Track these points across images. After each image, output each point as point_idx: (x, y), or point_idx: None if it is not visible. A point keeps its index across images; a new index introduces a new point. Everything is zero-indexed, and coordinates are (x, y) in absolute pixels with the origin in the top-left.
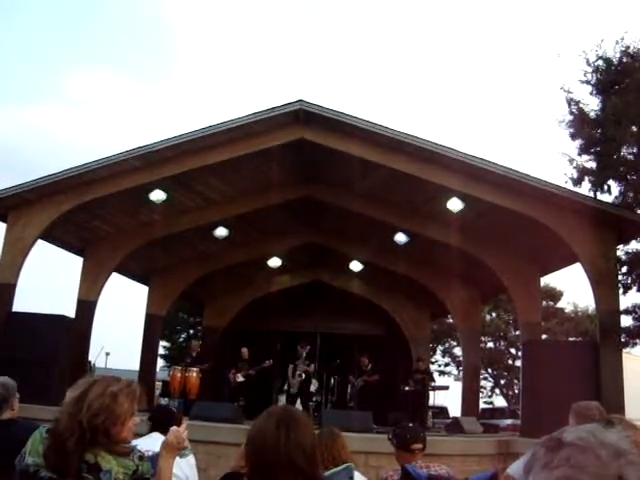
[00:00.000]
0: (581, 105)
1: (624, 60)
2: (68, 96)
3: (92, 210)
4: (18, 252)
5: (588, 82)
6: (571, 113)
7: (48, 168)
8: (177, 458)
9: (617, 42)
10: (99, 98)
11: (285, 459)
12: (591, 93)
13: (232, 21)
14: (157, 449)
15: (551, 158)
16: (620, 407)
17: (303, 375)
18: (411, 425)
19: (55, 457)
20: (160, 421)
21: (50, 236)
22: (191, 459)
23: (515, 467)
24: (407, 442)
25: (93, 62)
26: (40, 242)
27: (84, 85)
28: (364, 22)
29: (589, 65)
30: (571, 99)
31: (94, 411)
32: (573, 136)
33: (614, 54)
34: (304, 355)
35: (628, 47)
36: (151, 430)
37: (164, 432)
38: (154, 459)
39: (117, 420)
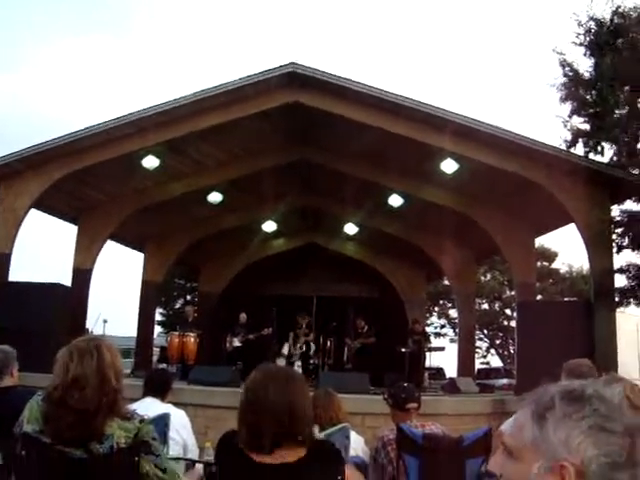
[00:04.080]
0: (575, 66)
1: (616, 20)
2: (43, 63)
3: (84, 178)
4: (11, 222)
5: (581, 44)
6: (565, 75)
7: (30, 139)
8: (172, 420)
9: (608, 2)
10: (85, 63)
11: (267, 412)
12: (584, 54)
13: None
14: (151, 413)
15: (545, 120)
16: (614, 366)
17: (304, 347)
18: (406, 385)
19: (79, 431)
20: (156, 385)
21: (43, 205)
22: (186, 422)
23: (508, 424)
24: (402, 401)
25: (76, 30)
26: (33, 211)
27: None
28: None
29: (581, 26)
30: (564, 61)
31: (118, 375)
32: (564, 99)
33: (606, 15)
34: (304, 325)
35: (619, 7)
36: (144, 394)
37: (159, 396)
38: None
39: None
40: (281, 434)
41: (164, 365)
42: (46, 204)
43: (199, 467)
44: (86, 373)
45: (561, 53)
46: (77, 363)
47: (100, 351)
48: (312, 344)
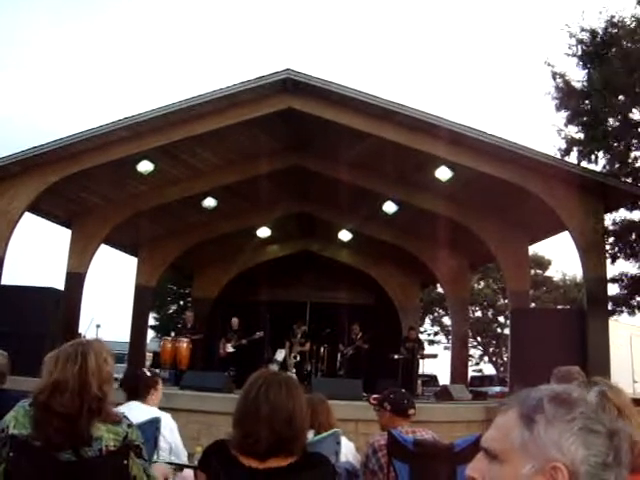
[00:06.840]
0: (566, 78)
1: (609, 30)
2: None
3: (79, 182)
4: (5, 225)
5: (574, 54)
6: (556, 87)
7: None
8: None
9: (601, 12)
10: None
11: (265, 421)
12: (577, 65)
13: None
14: (133, 417)
15: (540, 129)
16: (606, 374)
17: (298, 357)
18: (403, 391)
19: (66, 435)
20: (134, 388)
21: (37, 209)
22: (173, 424)
23: None
24: (404, 407)
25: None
26: (28, 215)
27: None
28: None
29: (573, 37)
30: (555, 73)
31: (101, 381)
32: (558, 108)
33: (599, 24)
34: (299, 335)
35: (613, 17)
36: (128, 399)
37: (140, 398)
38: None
39: (111, 382)
40: (277, 444)
41: (157, 370)
42: (40, 208)
43: (189, 472)
44: (67, 378)
45: (551, 65)
46: (61, 368)
47: (85, 357)
48: (307, 354)
